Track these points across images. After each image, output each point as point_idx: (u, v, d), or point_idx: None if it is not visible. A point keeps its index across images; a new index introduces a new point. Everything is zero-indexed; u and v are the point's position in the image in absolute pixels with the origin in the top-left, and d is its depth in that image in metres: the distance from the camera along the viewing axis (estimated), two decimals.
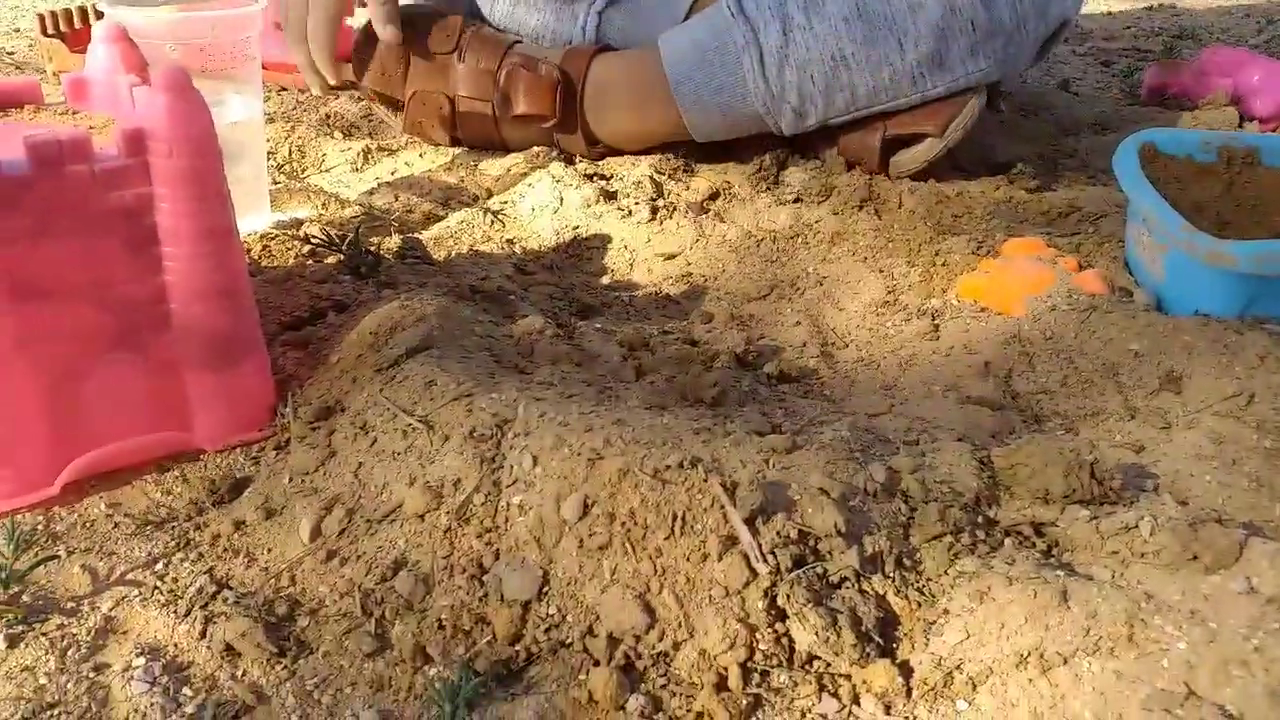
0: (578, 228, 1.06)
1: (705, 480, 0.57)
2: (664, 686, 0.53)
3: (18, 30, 1.86)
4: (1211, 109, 1.33)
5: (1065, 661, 0.52)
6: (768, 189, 1.10)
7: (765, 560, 0.55)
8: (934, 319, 0.89)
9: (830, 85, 1.06)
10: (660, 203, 1.08)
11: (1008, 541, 0.60)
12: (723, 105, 1.10)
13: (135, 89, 0.68)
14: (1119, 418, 0.74)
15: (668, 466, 0.58)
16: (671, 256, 1.02)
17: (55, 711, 0.51)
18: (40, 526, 0.63)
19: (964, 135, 1.08)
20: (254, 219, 1.01)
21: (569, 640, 0.55)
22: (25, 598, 0.58)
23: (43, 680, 0.52)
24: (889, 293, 0.94)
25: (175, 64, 0.64)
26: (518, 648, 0.55)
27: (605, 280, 0.99)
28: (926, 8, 1.04)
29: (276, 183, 1.12)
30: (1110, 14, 2.13)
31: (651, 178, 1.12)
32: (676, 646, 0.54)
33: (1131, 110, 1.40)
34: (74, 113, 0.75)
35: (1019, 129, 1.32)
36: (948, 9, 1.04)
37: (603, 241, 1.04)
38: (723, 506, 0.56)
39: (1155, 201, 0.85)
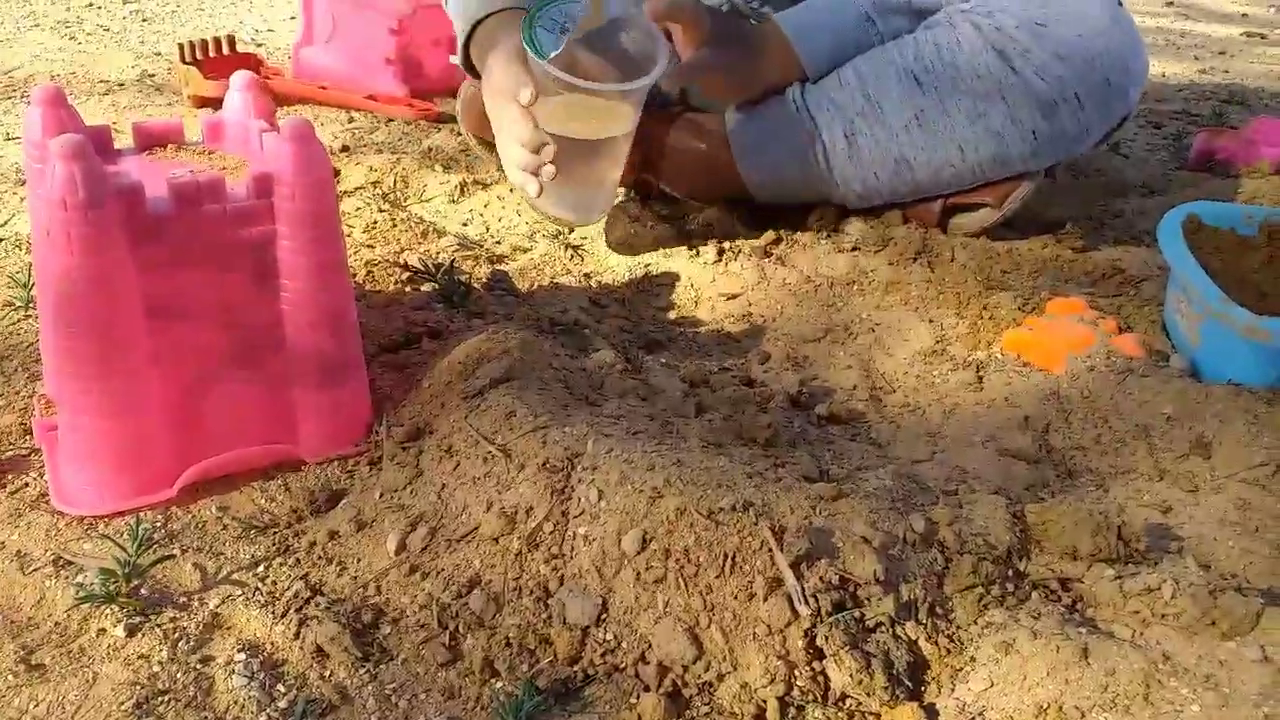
0: (649, 265, 1.06)
1: (755, 524, 0.58)
2: (707, 715, 0.54)
3: (158, 54, 1.92)
4: (1257, 177, 1.30)
5: (1083, 716, 0.52)
6: (827, 237, 1.10)
7: (807, 603, 0.55)
8: (979, 371, 0.88)
9: (894, 180, 1.05)
10: (726, 245, 1.08)
11: (1035, 595, 0.60)
12: (788, 185, 1.09)
13: (265, 134, 0.70)
14: (1149, 478, 0.72)
15: (721, 509, 0.59)
16: (734, 296, 1.03)
17: (165, 698, 0.53)
18: (160, 525, 0.65)
19: (1020, 207, 1.06)
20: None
21: (623, 665, 0.56)
22: (144, 590, 0.60)
23: (155, 668, 0.55)
24: (937, 342, 0.93)
25: (302, 118, 0.66)
26: (576, 669, 0.56)
27: (671, 315, 1.00)
28: (988, 117, 1.00)
29: (382, 210, 1.14)
30: (1164, 76, 2.08)
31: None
32: (721, 678, 0.55)
33: (1178, 175, 1.36)
34: (210, 152, 0.77)
35: (1068, 189, 1.30)
36: (1008, 119, 1.00)
37: (671, 279, 1.05)
38: (771, 550, 0.57)
39: (1195, 272, 0.83)
